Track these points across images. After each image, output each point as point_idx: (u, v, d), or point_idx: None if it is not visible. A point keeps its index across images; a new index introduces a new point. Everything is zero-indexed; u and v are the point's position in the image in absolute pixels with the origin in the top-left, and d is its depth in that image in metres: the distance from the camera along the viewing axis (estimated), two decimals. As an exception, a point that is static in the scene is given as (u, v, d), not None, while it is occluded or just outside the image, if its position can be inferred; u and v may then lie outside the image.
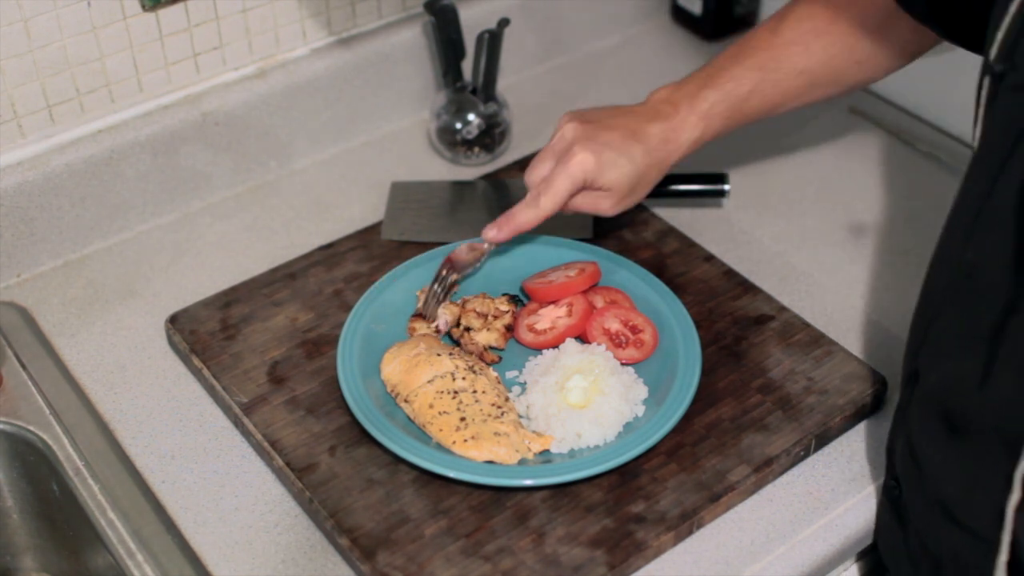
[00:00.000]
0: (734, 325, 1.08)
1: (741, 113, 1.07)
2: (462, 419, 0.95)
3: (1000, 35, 0.72)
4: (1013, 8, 0.71)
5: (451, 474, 0.92)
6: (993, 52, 0.73)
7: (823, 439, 0.99)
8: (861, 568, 1.03)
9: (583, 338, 1.05)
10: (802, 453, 0.98)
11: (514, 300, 1.08)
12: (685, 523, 0.91)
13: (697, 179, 1.23)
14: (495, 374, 1.01)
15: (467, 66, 1.30)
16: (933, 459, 0.83)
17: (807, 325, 1.08)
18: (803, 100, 1.09)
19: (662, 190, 1.22)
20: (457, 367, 0.99)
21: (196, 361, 1.05)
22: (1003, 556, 0.76)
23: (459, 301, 1.08)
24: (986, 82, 0.75)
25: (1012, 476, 0.73)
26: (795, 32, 1.05)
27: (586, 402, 0.97)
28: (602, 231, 1.19)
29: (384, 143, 1.35)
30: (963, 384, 0.78)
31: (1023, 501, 0.73)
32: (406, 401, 0.98)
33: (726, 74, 1.06)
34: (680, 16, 1.54)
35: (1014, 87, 0.72)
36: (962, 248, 0.78)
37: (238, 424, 1.01)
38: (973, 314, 0.77)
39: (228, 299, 1.11)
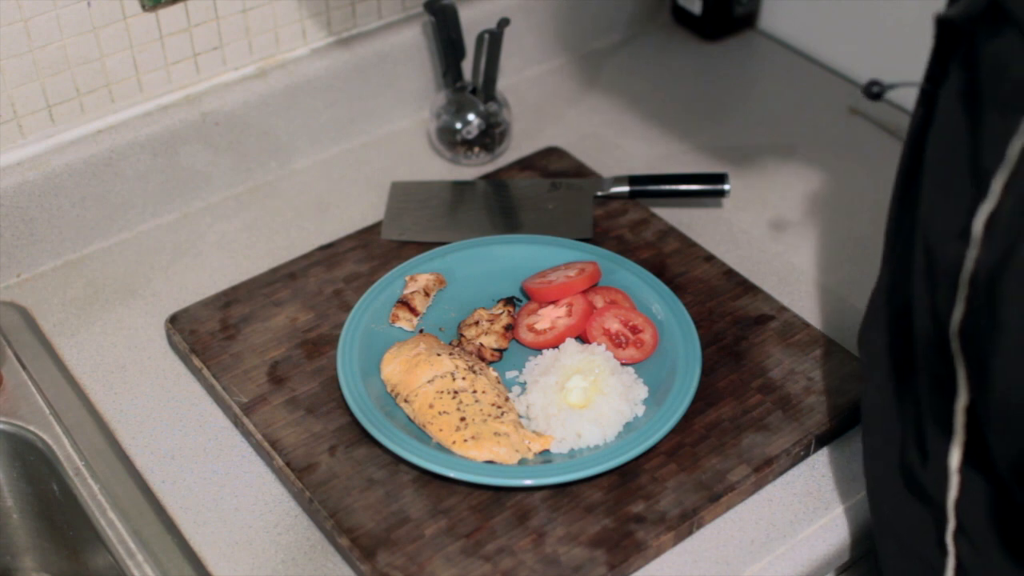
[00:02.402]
0: (734, 325, 1.08)
1: None
2: (462, 419, 0.95)
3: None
4: None
5: (451, 474, 0.92)
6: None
7: (823, 439, 0.99)
8: (858, 571, 1.03)
9: (583, 338, 1.05)
10: (802, 453, 0.98)
11: (510, 301, 1.08)
12: (685, 523, 0.91)
13: (697, 179, 1.23)
14: (495, 374, 1.01)
15: (467, 66, 1.30)
16: (883, 486, 0.85)
17: (807, 325, 1.08)
18: None
19: (662, 190, 1.23)
20: (457, 367, 0.99)
21: (196, 361, 1.05)
22: None
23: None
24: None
25: (945, 507, 0.75)
26: None
27: (586, 402, 0.97)
28: (602, 231, 1.19)
29: (384, 143, 1.35)
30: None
31: (958, 529, 0.75)
32: (406, 401, 0.98)
33: None
34: (680, 16, 1.54)
35: (920, 102, 0.75)
36: (885, 267, 0.80)
37: (238, 424, 1.01)
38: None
39: (228, 299, 1.11)
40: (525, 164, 1.29)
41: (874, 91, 0.74)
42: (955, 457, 0.72)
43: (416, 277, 1.10)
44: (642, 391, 1.00)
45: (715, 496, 0.93)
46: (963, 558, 0.76)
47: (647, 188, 1.23)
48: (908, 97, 1.38)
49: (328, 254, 1.16)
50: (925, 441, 0.76)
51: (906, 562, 0.83)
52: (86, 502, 0.96)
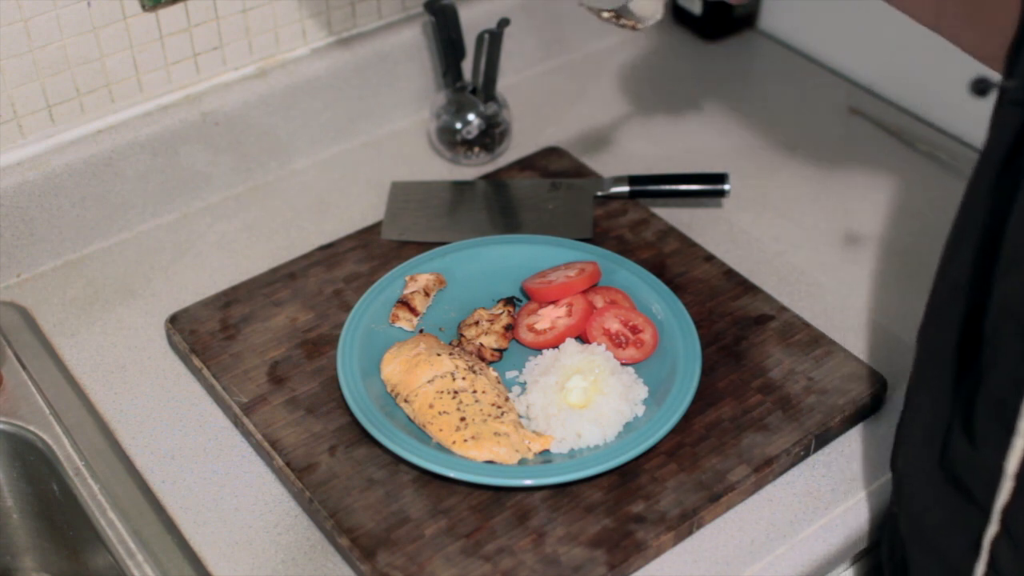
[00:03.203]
0: (734, 325, 1.08)
1: None
2: (462, 419, 0.95)
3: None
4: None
5: (451, 474, 0.92)
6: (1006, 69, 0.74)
7: (823, 439, 0.99)
8: (859, 570, 1.03)
9: (583, 338, 1.05)
10: (802, 453, 0.98)
11: (510, 301, 1.08)
12: (685, 523, 0.91)
13: (697, 179, 1.23)
14: (495, 374, 1.01)
15: (467, 66, 1.30)
16: (917, 481, 0.84)
17: (807, 325, 1.08)
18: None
19: (662, 190, 1.23)
20: (457, 367, 0.99)
21: (196, 361, 1.05)
22: None
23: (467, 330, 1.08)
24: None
25: (989, 509, 0.74)
26: None
27: (586, 402, 0.97)
28: (602, 231, 1.19)
29: (384, 143, 1.35)
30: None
31: (1003, 534, 0.74)
32: (406, 401, 0.98)
33: None
34: (680, 16, 1.54)
35: (1011, 102, 0.72)
36: (951, 264, 0.78)
37: (238, 424, 1.01)
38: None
39: (228, 299, 1.11)
40: (525, 164, 1.29)
41: (981, 87, 0.72)
42: (1013, 462, 0.71)
43: (416, 277, 1.10)
44: (642, 391, 1.00)
45: (715, 496, 0.93)
46: (1000, 564, 0.75)
47: (647, 188, 1.23)
48: (905, 96, 1.38)
49: (328, 254, 1.16)
50: (975, 437, 0.74)
51: (928, 559, 0.82)
52: (86, 502, 0.96)
